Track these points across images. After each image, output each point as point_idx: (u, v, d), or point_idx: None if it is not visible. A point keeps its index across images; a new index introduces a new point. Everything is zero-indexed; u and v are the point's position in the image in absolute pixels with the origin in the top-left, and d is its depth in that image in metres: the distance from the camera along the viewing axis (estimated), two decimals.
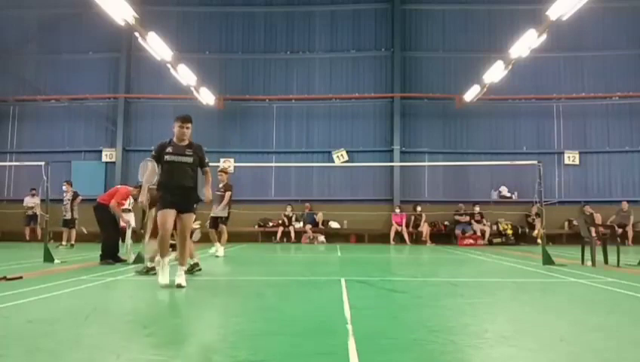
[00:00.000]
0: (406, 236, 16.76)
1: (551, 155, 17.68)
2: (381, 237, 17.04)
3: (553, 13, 10.67)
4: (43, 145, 17.83)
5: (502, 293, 5.85)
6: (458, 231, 16.73)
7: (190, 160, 5.88)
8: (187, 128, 6.02)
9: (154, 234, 6.90)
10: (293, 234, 17.03)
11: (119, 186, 10.09)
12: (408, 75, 18.48)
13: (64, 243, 14.08)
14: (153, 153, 5.94)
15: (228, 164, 15.62)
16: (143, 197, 6.07)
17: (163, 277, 5.75)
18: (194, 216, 6.02)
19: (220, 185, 11.18)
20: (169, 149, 5.89)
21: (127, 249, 9.12)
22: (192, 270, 6.89)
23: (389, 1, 18.63)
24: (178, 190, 5.79)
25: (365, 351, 2.95)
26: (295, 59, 18.66)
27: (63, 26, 18.53)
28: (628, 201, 16.73)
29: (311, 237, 16.91)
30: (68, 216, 14.15)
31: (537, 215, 15.53)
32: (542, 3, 11.70)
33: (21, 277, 6.33)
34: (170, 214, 5.76)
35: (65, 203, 14.16)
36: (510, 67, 14.26)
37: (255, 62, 18.56)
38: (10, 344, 3.14)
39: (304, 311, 4.47)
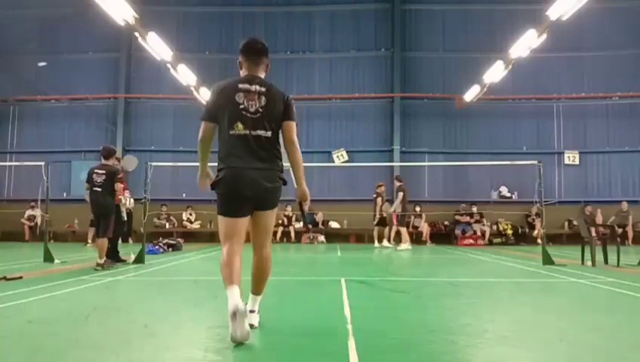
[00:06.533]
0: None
1: (551, 155, 17.67)
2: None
3: (553, 13, 10.66)
4: (43, 145, 17.82)
5: (502, 293, 5.86)
6: (458, 231, 16.72)
7: None
8: None
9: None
10: (293, 234, 17.03)
11: None
12: (408, 75, 18.47)
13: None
14: None
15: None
16: None
17: None
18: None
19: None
20: None
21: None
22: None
23: (389, 1, 18.62)
24: None
25: (365, 351, 2.95)
26: (295, 59, 18.66)
27: (63, 26, 18.51)
28: (628, 201, 16.73)
29: (311, 237, 16.90)
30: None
31: (537, 215, 15.53)
32: (542, 3, 11.69)
33: (21, 277, 6.33)
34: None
35: None
36: (510, 67, 14.25)
37: None
38: (11, 344, 3.14)
39: (304, 311, 4.47)
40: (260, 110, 3.36)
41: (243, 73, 3.57)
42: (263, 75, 3.61)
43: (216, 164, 3.43)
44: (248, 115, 3.33)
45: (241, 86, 3.40)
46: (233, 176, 3.30)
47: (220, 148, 3.38)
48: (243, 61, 3.59)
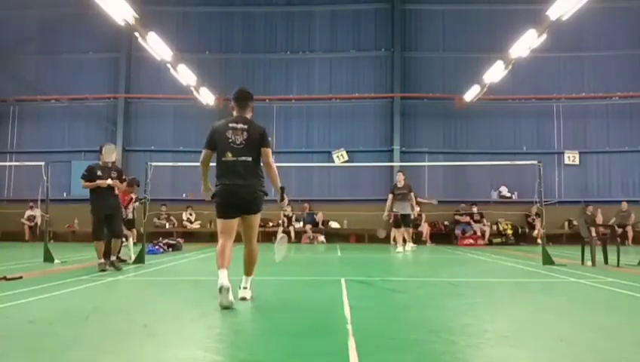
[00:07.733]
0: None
1: (551, 155, 17.66)
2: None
3: (553, 13, 10.66)
4: (43, 145, 17.81)
5: (502, 293, 5.86)
6: (458, 231, 16.72)
7: None
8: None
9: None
10: (293, 234, 17.01)
11: None
12: (408, 75, 18.46)
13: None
14: None
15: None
16: None
17: None
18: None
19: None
20: None
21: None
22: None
23: (389, 1, 18.62)
24: None
25: (365, 351, 2.95)
26: (295, 59, 18.65)
27: (63, 26, 18.49)
28: (628, 201, 16.73)
29: (311, 237, 16.90)
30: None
31: (537, 215, 15.51)
32: (542, 3, 11.69)
33: (21, 277, 6.33)
34: None
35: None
36: (510, 67, 14.24)
37: (255, 62, 18.54)
38: (12, 344, 3.14)
39: (304, 311, 4.47)
40: (244, 142, 4.61)
41: (235, 113, 4.81)
42: (249, 115, 4.82)
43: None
44: (235, 146, 4.61)
45: (230, 125, 4.67)
46: (224, 191, 4.63)
47: (216, 170, 4.70)
48: (234, 105, 4.84)
